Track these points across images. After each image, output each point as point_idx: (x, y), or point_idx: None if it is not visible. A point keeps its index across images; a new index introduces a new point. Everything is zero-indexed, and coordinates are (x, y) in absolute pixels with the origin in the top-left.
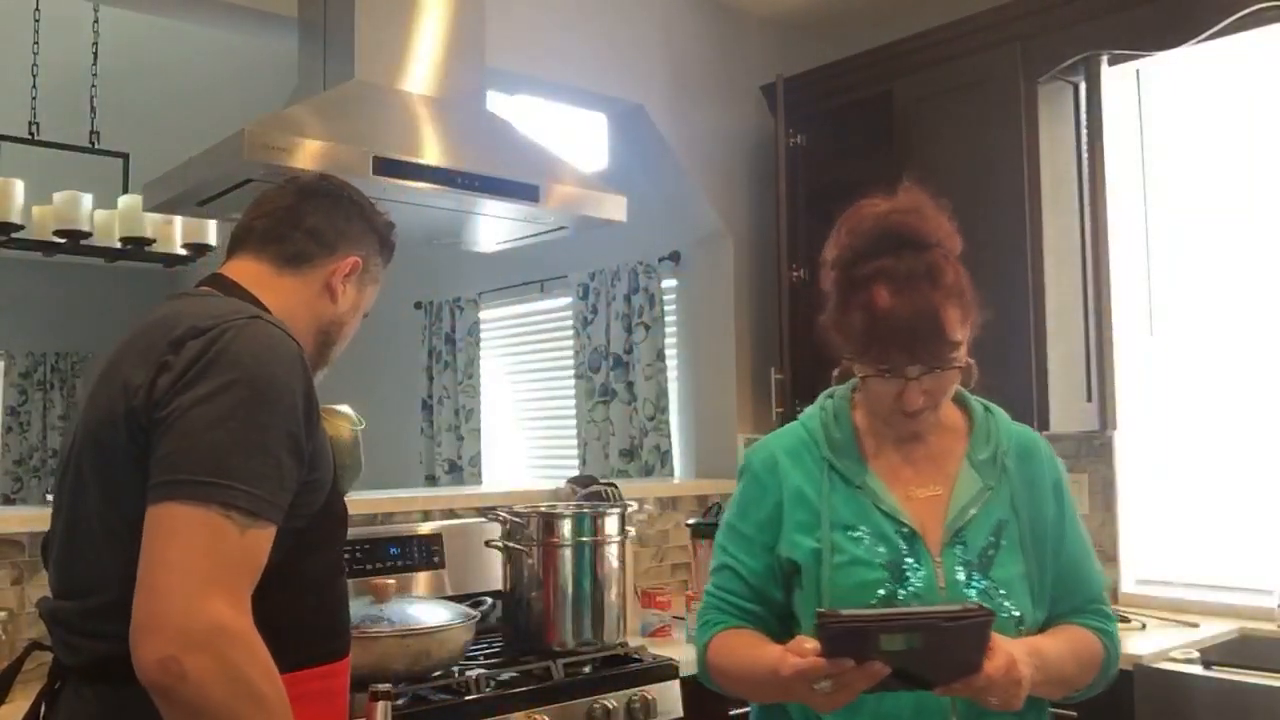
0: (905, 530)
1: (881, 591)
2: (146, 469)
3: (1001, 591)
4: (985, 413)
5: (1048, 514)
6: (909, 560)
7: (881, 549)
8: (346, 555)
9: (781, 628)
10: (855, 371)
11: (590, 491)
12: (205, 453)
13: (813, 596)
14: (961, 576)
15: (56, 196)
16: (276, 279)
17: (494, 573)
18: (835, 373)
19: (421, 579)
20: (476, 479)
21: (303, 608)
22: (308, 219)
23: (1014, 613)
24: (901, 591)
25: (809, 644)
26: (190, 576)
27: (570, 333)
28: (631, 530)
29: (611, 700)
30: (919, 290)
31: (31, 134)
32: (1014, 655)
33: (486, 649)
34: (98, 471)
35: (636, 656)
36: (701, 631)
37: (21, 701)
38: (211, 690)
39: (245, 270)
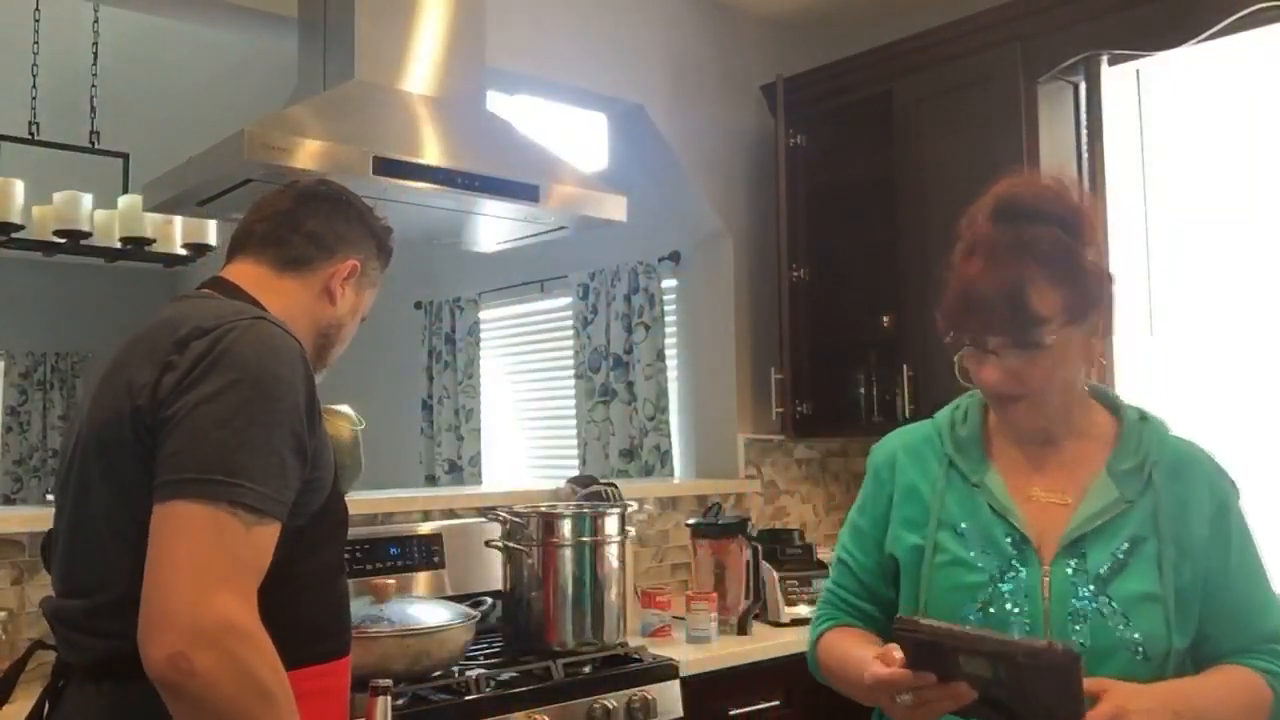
0: (1015, 535)
1: (981, 597)
2: (152, 468)
3: (1119, 611)
4: (1140, 421)
5: (1199, 536)
6: (1015, 564)
7: (986, 551)
8: (346, 555)
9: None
10: (952, 352)
11: (590, 491)
12: (211, 451)
13: (910, 596)
14: (1072, 589)
15: (56, 196)
16: (277, 281)
17: (494, 573)
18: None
19: (421, 579)
20: (476, 479)
21: (302, 606)
22: (307, 223)
23: (1132, 635)
24: (999, 600)
25: (898, 653)
26: (199, 574)
27: (570, 333)
28: (631, 530)
29: (611, 700)
30: (1011, 260)
31: (31, 134)
32: (1125, 707)
33: (486, 649)
34: (104, 471)
35: (636, 656)
36: (814, 626)
37: (25, 701)
38: (220, 687)
39: (245, 273)
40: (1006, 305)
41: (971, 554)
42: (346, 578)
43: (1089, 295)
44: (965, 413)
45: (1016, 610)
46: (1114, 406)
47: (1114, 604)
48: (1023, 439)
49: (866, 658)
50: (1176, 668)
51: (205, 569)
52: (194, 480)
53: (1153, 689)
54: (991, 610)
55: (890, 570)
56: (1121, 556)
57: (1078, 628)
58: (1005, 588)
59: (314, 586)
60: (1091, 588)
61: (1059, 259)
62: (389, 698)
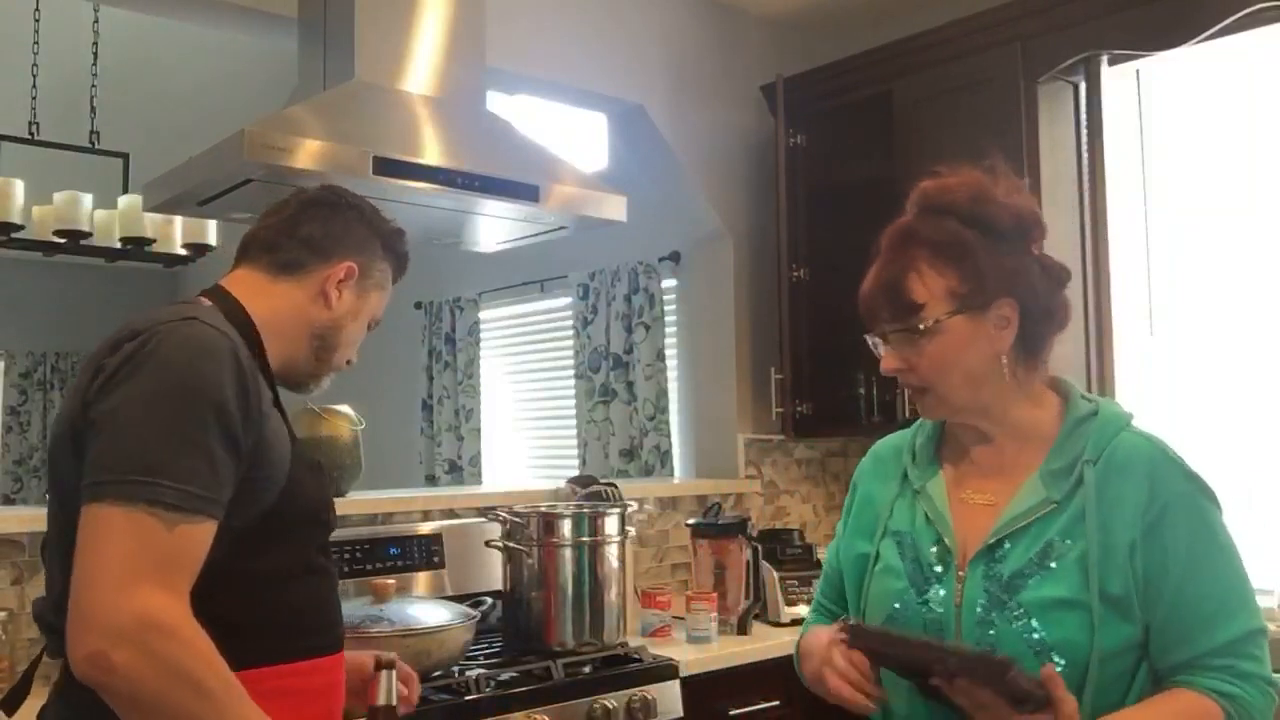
0: (940, 541)
1: (897, 605)
2: (83, 470)
3: (1023, 614)
4: (1087, 417)
5: (1128, 539)
6: (936, 570)
7: (915, 558)
8: (346, 555)
9: None
10: None
11: (590, 491)
12: (132, 451)
13: (854, 604)
14: (984, 594)
15: (56, 196)
16: (270, 286)
17: (494, 573)
18: None
19: (421, 579)
20: (476, 479)
21: (256, 605)
22: (303, 228)
23: (1034, 636)
24: (919, 605)
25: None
26: (117, 573)
27: (570, 333)
28: (631, 530)
29: (611, 700)
30: (901, 251)
31: (31, 134)
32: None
33: (486, 649)
34: (54, 474)
35: (636, 656)
36: (800, 633)
37: (37, 700)
38: (144, 683)
39: (240, 279)
40: (887, 292)
41: (901, 562)
42: (325, 576)
43: (986, 284)
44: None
45: (931, 616)
46: (1069, 403)
47: (1023, 609)
48: (965, 440)
49: (824, 636)
50: (1115, 673)
51: (123, 569)
52: (114, 482)
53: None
54: (909, 616)
55: None
56: (1038, 560)
57: (991, 633)
58: (927, 594)
59: (268, 585)
60: (1003, 593)
61: (946, 245)
62: (393, 672)
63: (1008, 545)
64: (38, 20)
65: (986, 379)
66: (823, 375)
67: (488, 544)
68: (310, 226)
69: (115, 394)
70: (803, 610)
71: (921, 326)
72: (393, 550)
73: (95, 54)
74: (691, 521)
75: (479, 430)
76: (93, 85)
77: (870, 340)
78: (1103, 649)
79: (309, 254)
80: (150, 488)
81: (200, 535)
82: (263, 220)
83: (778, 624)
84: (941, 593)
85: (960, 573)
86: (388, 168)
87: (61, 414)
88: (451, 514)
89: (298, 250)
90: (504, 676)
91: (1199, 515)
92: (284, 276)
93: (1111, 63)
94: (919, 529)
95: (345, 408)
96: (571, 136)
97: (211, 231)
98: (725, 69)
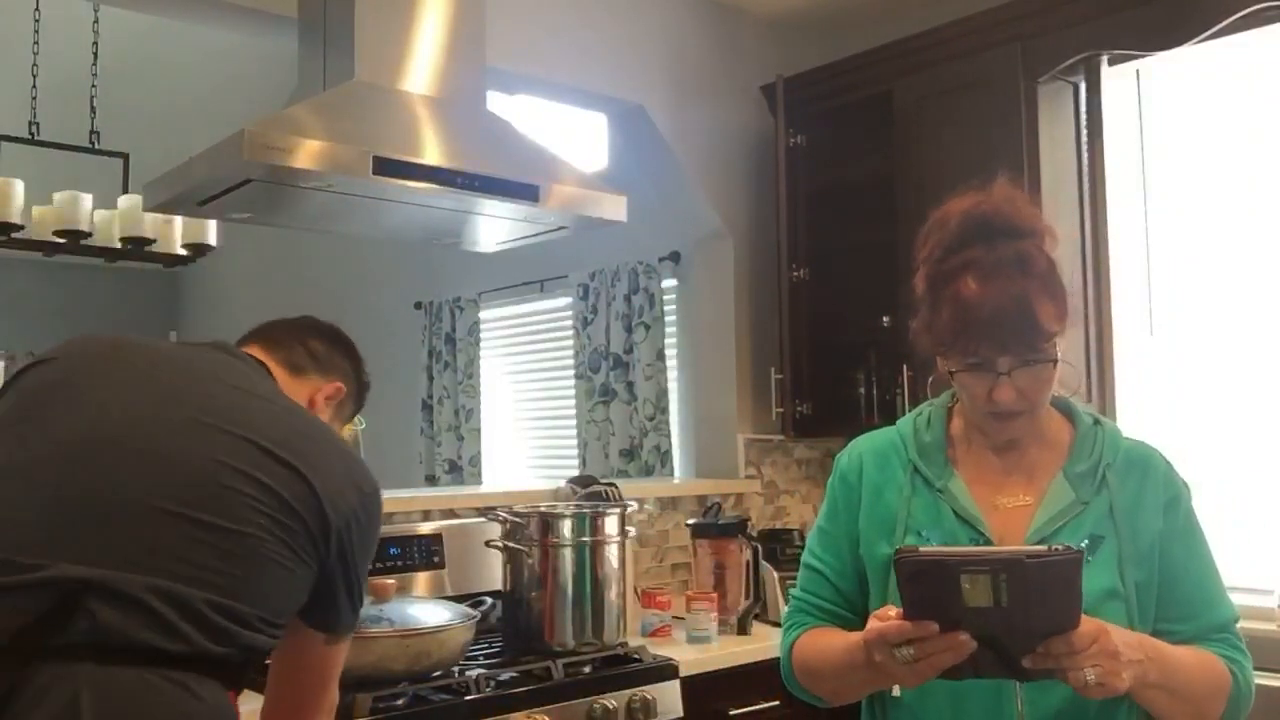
0: (980, 540)
1: None
2: None
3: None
4: (1094, 425)
5: (1153, 530)
6: None
7: None
8: None
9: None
10: (946, 369)
11: (590, 491)
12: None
13: (880, 601)
14: None
15: (56, 196)
16: (286, 379)
17: (494, 573)
18: (930, 380)
19: (421, 579)
20: (476, 479)
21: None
22: (311, 342)
23: None
24: None
25: (893, 610)
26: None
27: (570, 333)
28: (631, 530)
29: (611, 700)
30: (1009, 278)
31: (31, 134)
32: (1104, 625)
33: (486, 649)
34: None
35: (636, 656)
36: (785, 635)
37: None
38: None
39: (273, 368)
40: (1017, 322)
41: None
42: None
43: (1065, 304)
44: (929, 419)
45: None
46: (1069, 412)
47: None
48: (995, 448)
49: (853, 636)
50: None
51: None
52: (351, 627)
53: (1127, 631)
54: None
55: (864, 572)
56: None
57: None
58: None
59: None
60: None
61: (1047, 272)
62: None
63: (1050, 542)
64: (38, 20)
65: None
66: (823, 375)
67: (488, 544)
68: (315, 344)
69: (368, 551)
70: None
71: (1054, 355)
72: (393, 550)
73: (95, 54)
74: (691, 521)
75: (479, 430)
76: (93, 85)
77: (965, 371)
78: (1141, 632)
79: (311, 363)
80: None
81: None
82: (277, 322)
83: (778, 624)
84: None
85: None
86: (388, 168)
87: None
88: (451, 514)
89: (303, 357)
90: (504, 676)
91: (1192, 512)
92: (287, 372)
93: (1111, 63)
94: (949, 528)
95: None
96: (571, 136)
97: (211, 231)
98: (725, 69)
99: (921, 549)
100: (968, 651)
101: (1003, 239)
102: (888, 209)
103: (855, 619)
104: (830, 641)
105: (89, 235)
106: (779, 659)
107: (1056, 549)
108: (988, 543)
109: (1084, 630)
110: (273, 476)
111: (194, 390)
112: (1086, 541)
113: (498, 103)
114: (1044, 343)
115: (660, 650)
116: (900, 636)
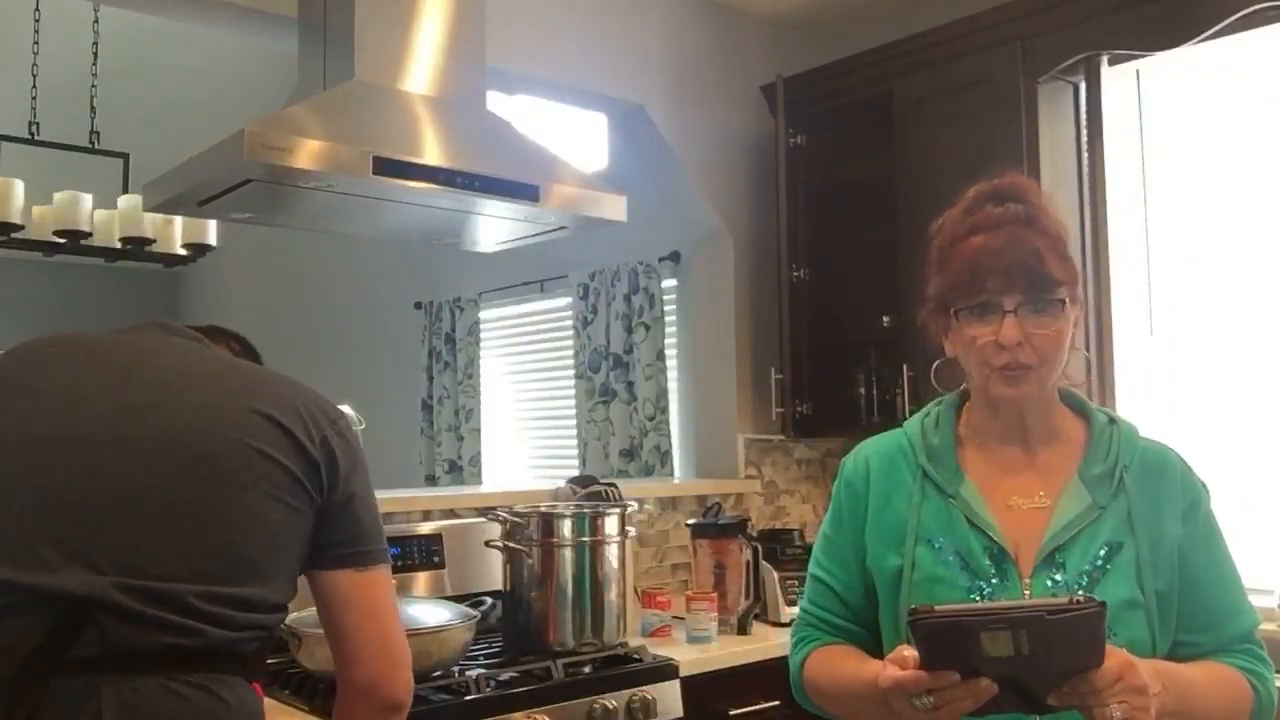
0: (994, 548)
1: None
2: None
3: None
4: (1109, 424)
5: (1173, 536)
6: (994, 582)
7: (964, 566)
8: None
9: (877, 643)
10: (951, 330)
11: (590, 491)
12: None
13: (889, 615)
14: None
15: (56, 196)
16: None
17: (494, 573)
18: (935, 366)
19: (421, 579)
20: (476, 479)
21: None
22: (231, 343)
23: (1119, 644)
24: None
25: (909, 653)
26: (398, 622)
27: (570, 333)
28: (631, 530)
29: (611, 700)
30: (1019, 228)
31: (31, 134)
32: (1130, 659)
33: (486, 649)
34: (237, 458)
35: (636, 656)
36: (796, 649)
37: None
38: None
39: None
40: (1025, 260)
41: (948, 570)
42: None
43: (1073, 272)
44: (936, 420)
45: None
46: (1083, 411)
47: None
48: (993, 440)
49: (869, 669)
50: None
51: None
52: (384, 549)
53: (1146, 660)
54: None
55: (872, 584)
56: (1100, 563)
57: None
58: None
59: None
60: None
61: (1057, 237)
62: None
63: (1067, 549)
64: (38, 20)
65: (1060, 374)
66: (823, 375)
67: (488, 544)
68: (235, 345)
69: (358, 467)
70: None
71: (1061, 296)
72: (393, 550)
73: (95, 54)
74: (691, 521)
75: (479, 430)
76: (93, 85)
77: (972, 319)
78: (1161, 648)
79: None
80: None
81: None
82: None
83: (778, 624)
84: (1003, 599)
85: (1026, 579)
86: (388, 168)
87: (270, 423)
88: (451, 514)
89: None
90: (504, 676)
91: (1212, 516)
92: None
93: (1111, 63)
94: (961, 534)
95: (346, 408)
96: (571, 136)
97: (211, 231)
98: (725, 69)
99: (936, 608)
100: (988, 696)
101: (1013, 202)
102: (888, 209)
103: (864, 633)
104: (842, 668)
105: (89, 235)
106: (779, 659)
107: (1078, 600)
108: (1000, 550)
109: (1109, 667)
110: (245, 430)
111: (142, 367)
112: (1104, 551)
113: (498, 103)
114: (1052, 288)
115: (660, 650)
116: (919, 688)
